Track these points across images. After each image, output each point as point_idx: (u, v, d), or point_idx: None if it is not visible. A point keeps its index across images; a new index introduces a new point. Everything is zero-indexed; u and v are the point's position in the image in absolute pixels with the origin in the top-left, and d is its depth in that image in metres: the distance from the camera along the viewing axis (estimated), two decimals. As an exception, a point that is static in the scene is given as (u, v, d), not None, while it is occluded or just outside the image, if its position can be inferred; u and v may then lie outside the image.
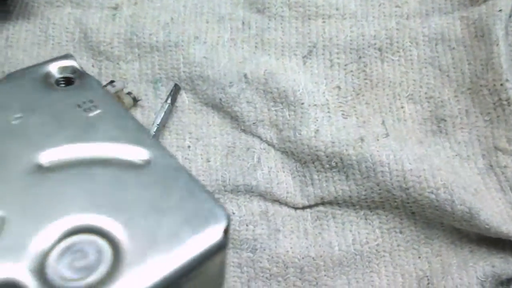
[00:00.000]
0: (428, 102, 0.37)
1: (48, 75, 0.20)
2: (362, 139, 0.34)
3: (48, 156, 0.16)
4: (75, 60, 0.20)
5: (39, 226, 0.14)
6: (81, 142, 0.16)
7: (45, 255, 0.13)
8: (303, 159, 0.35)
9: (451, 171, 0.33)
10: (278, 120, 0.36)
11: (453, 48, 0.37)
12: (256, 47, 0.39)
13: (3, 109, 0.17)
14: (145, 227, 0.14)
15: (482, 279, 0.32)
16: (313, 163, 0.35)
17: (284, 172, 0.36)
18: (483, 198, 0.32)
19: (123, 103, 0.37)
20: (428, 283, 0.33)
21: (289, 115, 0.36)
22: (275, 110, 0.36)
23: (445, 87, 0.37)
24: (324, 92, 0.37)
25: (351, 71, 0.38)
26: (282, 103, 0.36)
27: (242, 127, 0.37)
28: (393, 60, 0.38)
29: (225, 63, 0.37)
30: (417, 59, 0.37)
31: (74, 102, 0.18)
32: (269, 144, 0.37)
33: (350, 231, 0.35)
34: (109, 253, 0.13)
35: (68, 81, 0.20)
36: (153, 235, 0.14)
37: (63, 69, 0.20)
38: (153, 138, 0.18)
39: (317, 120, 0.35)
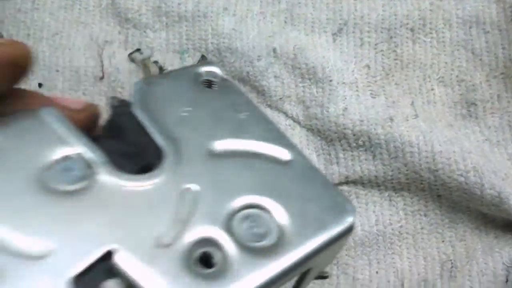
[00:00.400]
0: (459, 85, 0.36)
1: (197, 76, 0.22)
2: (391, 119, 0.33)
3: (218, 144, 0.20)
4: (218, 67, 0.23)
5: (225, 197, 0.18)
6: (239, 138, 0.20)
7: (231, 219, 0.17)
8: (329, 136, 0.35)
9: (481, 155, 0.33)
10: (305, 97, 0.35)
11: (488, 32, 0.36)
12: (285, 21, 0.38)
13: (173, 101, 0.21)
14: (300, 212, 0.18)
15: (509, 265, 0.32)
16: (340, 141, 0.34)
17: (308, 149, 0.35)
18: (513, 183, 0.32)
19: (149, 71, 0.36)
20: (452, 267, 0.33)
21: (316, 92, 0.35)
22: (303, 86, 0.36)
23: (477, 71, 0.36)
24: (353, 71, 0.36)
25: (382, 50, 0.37)
26: (310, 79, 0.35)
27: (268, 102, 0.36)
28: (425, 41, 0.37)
29: (254, 36, 0.37)
30: (449, 42, 0.37)
31: (226, 102, 0.21)
32: (294, 121, 0.36)
33: (374, 211, 0.35)
34: (275, 229, 0.17)
35: (209, 84, 0.22)
36: (305, 219, 0.18)
37: (208, 72, 0.23)
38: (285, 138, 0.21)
39: (345, 98, 0.35)
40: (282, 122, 0.36)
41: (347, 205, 0.19)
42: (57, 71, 0.36)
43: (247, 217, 0.18)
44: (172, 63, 0.37)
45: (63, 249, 0.15)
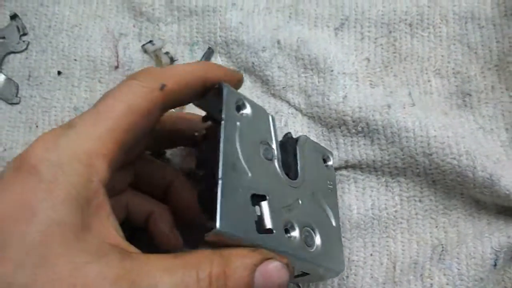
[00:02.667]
0: (455, 77, 0.38)
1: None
2: (388, 106, 0.35)
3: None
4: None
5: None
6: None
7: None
8: (330, 123, 0.36)
9: (475, 140, 0.34)
10: (307, 86, 0.37)
11: (482, 27, 0.38)
12: (290, 16, 0.40)
13: None
14: (326, 247, 0.30)
15: (497, 249, 0.33)
16: (340, 127, 0.36)
17: (310, 136, 0.37)
18: (504, 166, 0.33)
19: (160, 62, 0.38)
20: (443, 251, 0.34)
21: (318, 81, 0.37)
22: (305, 76, 0.38)
23: (472, 63, 0.38)
24: (353, 63, 0.38)
25: (381, 44, 0.39)
26: (312, 69, 0.37)
27: (272, 91, 0.38)
28: (422, 36, 0.39)
29: (260, 30, 0.39)
30: (446, 36, 0.38)
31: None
32: (296, 109, 0.38)
33: (370, 196, 0.36)
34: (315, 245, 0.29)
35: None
36: (326, 251, 0.29)
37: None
38: None
39: (345, 87, 0.36)
40: (284, 110, 0.38)
41: (343, 264, 0.31)
42: (75, 60, 0.39)
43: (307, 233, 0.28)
44: (182, 54, 0.40)
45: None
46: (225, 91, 0.26)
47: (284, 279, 0.24)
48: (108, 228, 0.22)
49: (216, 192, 0.23)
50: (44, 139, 0.21)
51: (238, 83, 0.30)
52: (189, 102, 0.28)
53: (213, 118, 0.27)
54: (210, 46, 0.39)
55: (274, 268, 0.23)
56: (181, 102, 0.26)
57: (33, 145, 0.21)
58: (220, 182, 0.23)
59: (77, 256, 0.20)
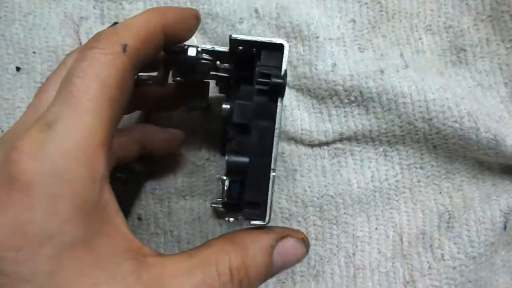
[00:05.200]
0: (447, 32, 0.35)
1: None
2: (381, 71, 0.33)
3: None
4: None
5: None
6: None
7: None
8: (320, 95, 0.34)
9: (474, 100, 0.32)
10: (291, 56, 0.35)
11: (472, -26, 0.35)
12: (265, -19, 0.37)
13: None
14: None
15: (506, 211, 0.32)
16: (331, 98, 0.34)
17: (299, 109, 0.35)
18: (507, 124, 0.31)
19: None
20: (450, 218, 0.33)
21: (303, 50, 0.34)
22: (289, 46, 0.35)
23: (464, 16, 0.35)
24: (339, 26, 0.35)
25: (366, 3, 0.36)
26: (295, 38, 0.35)
27: (255, 66, 0.36)
28: (409, -11, 0.36)
29: (234, -1, 0.35)
30: (434, -12, 0.36)
31: None
32: (283, 83, 0.35)
33: (369, 168, 0.34)
34: None
35: None
36: None
37: None
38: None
39: (333, 54, 0.34)
40: (271, 85, 0.35)
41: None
42: (34, 53, 0.35)
43: None
44: (152, 34, 0.36)
45: None
46: (286, 50, 0.23)
47: (301, 255, 0.24)
48: (119, 228, 0.20)
49: (267, 184, 0.22)
50: (26, 149, 0.18)
51: (196, 20, 0.26)
52: (155, 58, 0.24)
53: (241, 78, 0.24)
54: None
55: (291, 247, 0.23)
56: (148, 58, 0.23)
57: (15, 158, 0.18)
58: (273, 174, 0.22)
59: (92, 277, 0.18)
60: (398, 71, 0.33)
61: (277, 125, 0.22)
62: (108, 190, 0.20)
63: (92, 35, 0.22)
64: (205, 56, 0.26)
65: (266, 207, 0.22)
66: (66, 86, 0.19)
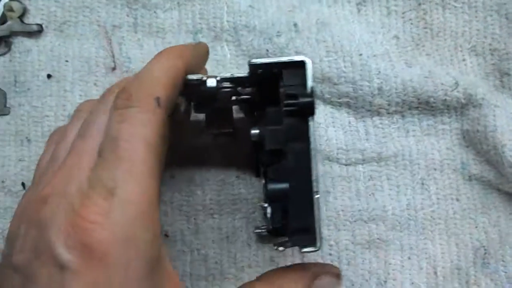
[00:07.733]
0: (492, 54, 0.34)
1: None
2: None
3: None
4: None
5: None
6: None
7: None
8: (360, 113, 0.33)
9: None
10: (331, 72, 0.33)
11: (523, -6, 0.34)
12: (305, -7, 0.35)
13: None
14: None
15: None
16: (371, 118, 0.33)
17: (334, 127, 0.34)
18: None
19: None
20: (485, 253, 0.32)
21: (345, 66, 0.33)
22: (328, 61, 0.33)
23: (511, 38, 0.34)
24: (382, 42, 0.34)
25: (410, 19, 0.35)
26: (336, 52, 0.33)
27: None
28: (455, 7, 0.34)
29: (273, 12, 0.34)
30: (482, 6, 0.34)
31: None
32: (318, 98, 0.34)
33: (405, 195, 0.33)
34: None
35: None
36: None
37: None
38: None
39: (379, 72, 0.32)
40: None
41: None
42: (67, 61, 0.34)
43: None
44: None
45: None
46: (308, 66, 0.22)
47: None
48: (174, 280, 0.22)
49: (312, 208, 0.21)
50: (94, 218, 0.19)
51: (207, 54, 0.28)
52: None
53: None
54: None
55: (327, 285, 0.24)
56: (174, 101, 0.24)
57: (86, 226, 0.19)
58: (316, 197, 0.21)
59: None
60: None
61: (312, 145, 0.22)
62: (162, 243, 0.21)
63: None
64: (225, 84, 0.25)
65: (315, 232, 0.21)
66: (113, 150, 0.20)
